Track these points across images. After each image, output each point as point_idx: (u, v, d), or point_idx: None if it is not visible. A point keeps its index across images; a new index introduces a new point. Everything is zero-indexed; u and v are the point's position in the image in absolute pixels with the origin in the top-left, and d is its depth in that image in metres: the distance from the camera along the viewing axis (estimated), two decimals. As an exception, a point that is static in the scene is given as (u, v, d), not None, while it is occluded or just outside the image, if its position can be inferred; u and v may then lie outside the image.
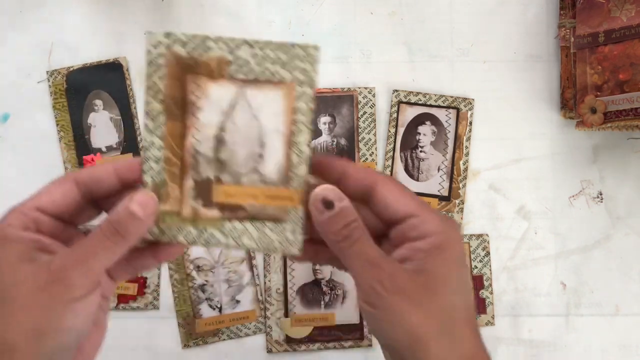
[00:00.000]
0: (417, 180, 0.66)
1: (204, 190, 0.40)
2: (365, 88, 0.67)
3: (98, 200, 0.40)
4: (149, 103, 0.40)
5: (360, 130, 0.67)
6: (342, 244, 0.38)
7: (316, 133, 0.67)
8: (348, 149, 0.66)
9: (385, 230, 0.41)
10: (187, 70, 0.41)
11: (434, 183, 0.66)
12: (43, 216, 0.39)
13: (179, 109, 0.41)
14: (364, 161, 0.66)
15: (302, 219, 0.40)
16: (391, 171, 0.66)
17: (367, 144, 0.66)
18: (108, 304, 0.42)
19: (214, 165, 0.41)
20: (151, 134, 0.41)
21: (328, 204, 0.38)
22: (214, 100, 0.41)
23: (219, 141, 0.41)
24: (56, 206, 0.39)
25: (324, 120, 0.67)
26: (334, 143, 0.66)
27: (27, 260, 0.36)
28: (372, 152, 0.66)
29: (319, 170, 0.41)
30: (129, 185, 0.40)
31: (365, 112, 0.67)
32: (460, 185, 0.66)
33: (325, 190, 0.38)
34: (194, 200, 0.40)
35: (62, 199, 0.39)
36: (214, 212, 0.40)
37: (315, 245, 0.42)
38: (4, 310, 0.36)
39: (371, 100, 0.67)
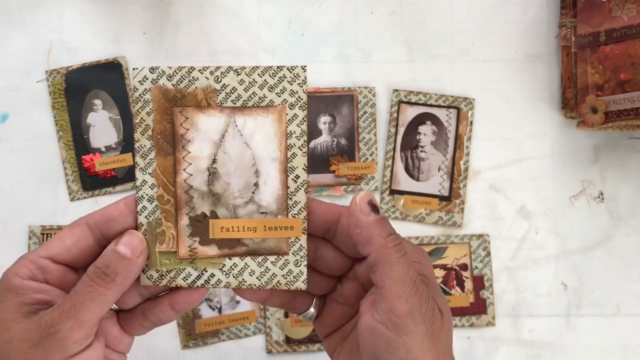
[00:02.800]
0: (418, 180, 0.66)
1: (200, 227, 0.39)
2: (366, 88, 0.67)
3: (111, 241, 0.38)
4: (138, 140, 0.39)
5: (360, 130, 0.66)
6: (390, 250, 0.36)
7: (316, 133, 0.66)
8: (348, 149, 0.66)
9: (347, 267, 0.40)
10: (174, 103, 0.40)
11: (435, 183, 0.66)
12: (53, 265, 0.37)
13: (169, 143, 0.40)
14: (364, 161, 0.66)
15: (305, 248, 0.39)
16: (391, 171, 0.66)
17: (367, 143, 0.66)
18: None
19: (209, 199, 0.40)
20: (142, 172, 0.40)
21: (374, 207, 0.37)
22: (203, 131, 0.40)
23: (212, 174, 0.40)
24: (68, 253, 0.37)
25: (324, 120, 0.66)
26: (334, 143, 0.66)
27: (23, 314, 0.35)
28: (372, 152, 0.66)
29: (321, 217, 0.39)
30: None
31: (365, 112, 0.66)
32: (461, 185, 0.66)
33: (369, 194, 0.37)
34: (191, 239, 0.39)
35: (75, 245, 0.37)
36: (212, 250, 0.39)
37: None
38: None
39: (371, 100, 0.66)
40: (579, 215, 0.66)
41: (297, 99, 0.40)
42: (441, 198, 0.66)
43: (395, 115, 0.66)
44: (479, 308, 0.65)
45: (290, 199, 0.39)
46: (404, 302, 0.35)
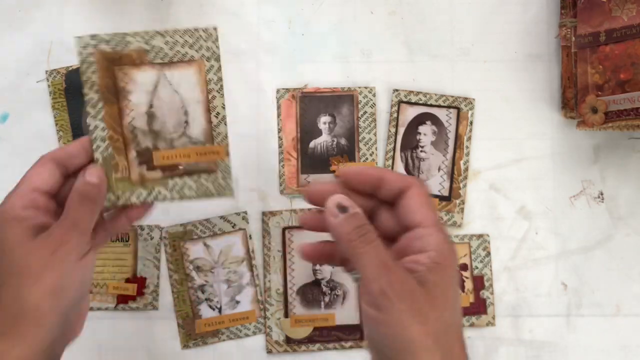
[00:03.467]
0: (418, 180, 0.66)
1: (145, 158, 0.48)
2: (366, 88, 0.66)
3: (71, 175, 0.47)
4: (87, 94, 0.49)
5: (360, 130, 0.66)
6: (355, 243, 0.40)
7: (316, 133, 0.66)
8: (348, 149, 0.66)
9: (395, 237, 0.43)
10: (114, 63, 0.50)
11: (435, 183, 0.66)
12: (39, 195, 0.45)
13: (113, 95, 0.50)
14: (364, 161, 0.66)
15: (229, 167, 0.50)
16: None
17: (368, 143, 0.66)
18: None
19: (150, 135, 0.50)
20: (94, 118, 0.50)
21: (342, 209, 0.42)
22: (139, 83, 0.50)
23: (150, 116, 0.50)
24: (47, 184, 0.45)
25: (324, 120, 0.66)
26: (334, 143, 0.66)
27: (31, 236, 0.43)
28: (372, 152, 0.66)
29: (355, 181, 0.44)
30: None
31: (365, 112, 0.66)
32: (461, 185, 0.66)
33: (340, 197, 0.42)
34: (140, 167, 0.49)
35: (50, 178, 0.45)
36: (157, 174, 0.49)
37: (331, 245, 0.46)
38: (22, 280, 0.42)
39: (372, 100, 0.66)
40: (579, 215, 0.66)
41: (212, 53, 0.50)
42: (441, 198, 0.66)
43: (395, 115, 0.66)
44: (479, 308, 0.65)
45: (214, 130, 0.50)
46: (375, 283, 0.39)
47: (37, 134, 0.66)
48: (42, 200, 0.45)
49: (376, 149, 0.66)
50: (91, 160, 0.48)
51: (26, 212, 0.44)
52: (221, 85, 0.51)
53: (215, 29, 0.50)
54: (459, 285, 0.43)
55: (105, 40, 0.49)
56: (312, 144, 0.66)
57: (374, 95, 0.67)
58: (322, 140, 0.67)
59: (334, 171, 0.66)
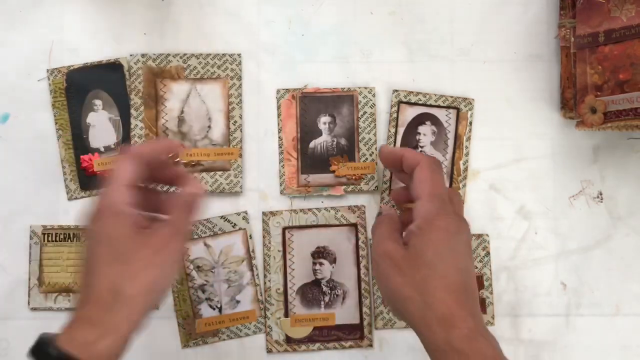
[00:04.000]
0: (418, 179, 0.66)
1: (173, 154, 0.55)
2: (366, 88, 0.67)
3: (154, 171, 0.51)
4: (132, 99, 0.65)
5: (360, 130, 0.66)
6: (433, 166, 0.53)
7: (316, 133, 0.67)
8: (348, 149, 0.66)
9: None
10: (156, 76, 0.65)
11: (436, 182, 0.66)
12: (132, 191, 0.47)
13: (153, 101, 0.65)
14: (363, 161, 0.66)
15: (240, 167, 0.64)
16: (391, 171, 0.66)
17: (367, 143, 0.66)
18: None
19: (179, 136, 0.65)
20: (135, 119, 0.65)
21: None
22: (175, 93, 0.65)
23: (180, 120, 0.65)
24: (137, 179, 0.48)
25: (324, 120, 0.66)
26: (334, 143, 0.66)
27: (137, 231, 0.46)
28: (372, 152, 0.66)
29: (389, 157, 0.56)
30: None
31: (365, 112, 0.66)
32: (461, 185, 0.66)
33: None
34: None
35: (138, 174, 0.48)
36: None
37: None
38: (124, 272, 0.45)
39: (371, 100, 0.66)
40: (578, 215, 0.66)
41: (235, 73, 0.66)
42: (442, 197, 0.66)
43: (395, 115, 0.67)
44: (478, 308, 0.65)
45: (231, 135, 0.64)
46: (375, 249, 0.53)
47: (38, 134, 0.66)
48: (136, 196, 0.48)
49: (376, 149, 0.66)
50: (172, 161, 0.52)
51: (128, 208, 0.47)
52: (240, 99, 0.65)
53: (239, 55, 0.66)
54: (452, 247, 0.49)
55: (152, 58, 0.65)
56: (312, 144, 0.66)
57: (374, 95, 0.67)
58: (322, 140, 0.67)
59: (333, 171, 0.66)
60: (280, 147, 0.66)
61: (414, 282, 0.48)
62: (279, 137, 0.66)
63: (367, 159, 0.66)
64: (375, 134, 0.66)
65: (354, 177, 0.66)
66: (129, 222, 0.46)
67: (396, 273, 0.49)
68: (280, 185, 0.66)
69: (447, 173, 0.66)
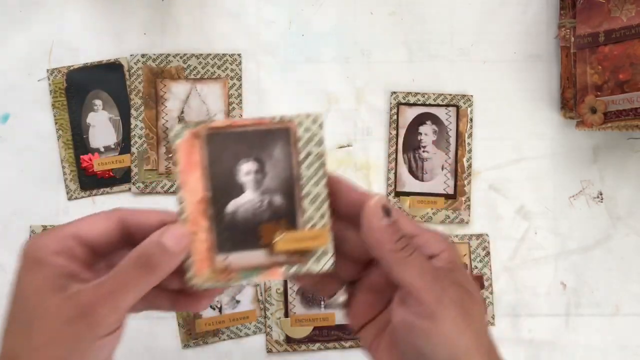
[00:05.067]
0: (422, 180, 0.66)
1: (172, 155, 0.52)
2: (308, 117, 0.41)
3: (135, 242, 0.37)
4: (132, 99, 0.66)
5: (303, 180, 0.41)
6: (401, 254, 0.37)
7: (236, 189, 0.41)
8: (286, 210, 0.41)
9: (369, 257, 0.40)
10: (156, 76, 0.66)
11: (439, 182, 0.66)
12: (79, 245, 0.37)
13: (153, 101, 0.65)
14: (310, 227, 0.41)
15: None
16: (395, 173, 0.66)
17: (316, 201, 0.41)
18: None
19: None
20: (135, 119, 0.66)
21: (387, 211, 0.37)
22: (175, 93, 0.66)
23: (180, 120, 0.65)
24: (95, 239, 0.38)
25: (246, 169, 0.41)
26: (265, 203, 0.41)
27: (57, 288, 0.35)
28: (324, 214, 0.40)
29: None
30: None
31: (309, 153, 0.41)
32: (465, 182, 0.66)
33: (384, 198, 0.38)
34: (167, 161, 0.65)
35: (103, 234, 0.38)
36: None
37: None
38: (30, 340, 0.35)
39: (317, 134, 0.41)
40: (578, 215, 0.67)
41: (235, 73, 0.66)
42: (447, 197, 0.66)
43: (394, 117, 0.67)
44: (478, 308, 0.65)
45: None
46: (429, 292, 0.36)
47: (38, 134, 0.66)
48: (82, 253, 0.37)
49: (328, 208, 0.40)
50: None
51: (57, 259, 0.36)
52: (240, 100, 0.65)
53: (239, 55, 0.66)
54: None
55: (153, 59, 0.65)
56: (231, 207, 0.41)
57: (320, 126, 0.41)
58: (246, 200, 0.42)
59: (267, 245, 0.41)
60: (182, 214, 0.39)
61: (478, 330, 0.38)
62: (178, 199, 0.40)
63: (315, 224, 0.41)
64: (326, 186, 0.41)
65: (297, 254, 0.41)
66: (47, 274, 0.35)
67: (467, 323, 0.37)
68: (188, 270, 0.39)
69: (451, 171, 0.66)
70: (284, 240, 0.42)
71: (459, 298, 0.36)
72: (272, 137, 0.42)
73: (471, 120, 0.66)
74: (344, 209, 0.39)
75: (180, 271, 0.38)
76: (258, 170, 0.42)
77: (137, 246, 0.36)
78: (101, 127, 0.66)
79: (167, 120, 0.65)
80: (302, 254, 0.41)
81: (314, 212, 0.41)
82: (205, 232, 0.40)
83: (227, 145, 0.42)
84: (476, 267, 0.66)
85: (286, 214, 0.42)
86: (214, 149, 0.41)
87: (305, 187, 0.41)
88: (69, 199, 0.66)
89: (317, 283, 0.42)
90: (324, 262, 0.41)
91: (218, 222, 0.40)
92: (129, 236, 0.39)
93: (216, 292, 0.41)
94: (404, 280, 0.36)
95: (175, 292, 0.40)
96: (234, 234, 0.41)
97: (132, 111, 0.65)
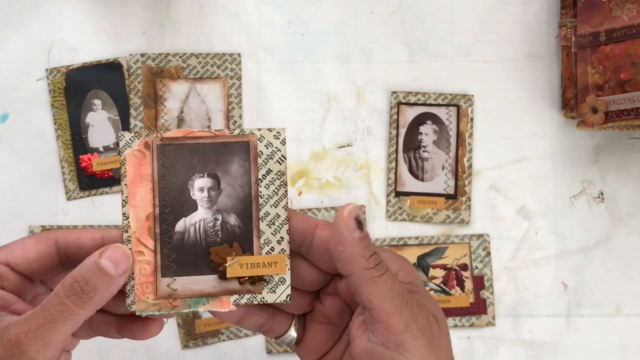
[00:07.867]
0: (422, 180, 0.66)
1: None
2: (270, 130, 0.39)
3: (75, 264, 0.34)
4: (131, 99, 0.65)
5: (262, 199, 0.39)
6: (372, 272, 0.34)
7: (188, 206, 0.39)
8: (241, 233, 0.39)
9: (324, 283, 0.38)
10: (156, 76, 0.65)
11: (440, 182, 0.66)
12: (10, 272, 0.34)
13: (152, 101, 0.65)
14: (267, 253, 0.38)
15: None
16: (395, 173, 0.66)
17: (275, 223, 0.38)
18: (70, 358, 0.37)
19: None
20: (134, 119, 0.65)
21: (360, 224, 0.34)
22: (174, 93, 0.65)
23: (180, 120, 0.65)
24: (28, 266, 0.35)
25: (199, 185, 0.39)
26: (218, 223, 0.39)
27: None
28: (282, 238, 0.38)
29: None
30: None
31: (269, 171, 0.39)
32: (466, 182, 0.66)
33: (356, 208, 0.35)
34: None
35: (37, 260, 0.35)
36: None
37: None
38: None
39: (278, 150, 0.39)
40: (579, 215, 0.66)
41: (235, 73, 0.66)
42: (447, 197, 0.66)
43: (395, 117, 0.66)
44: (479, 308, 0.65)
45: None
46: (398, 318, 0.33)
47: (37, 134, 0.66)
48: (13, 280, 0.34)
49: (288, 233, 0.38)
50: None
51: None
52: (240, 99, 0.64)
53: (239, 54, 0.66)
54: None
55: (152, 58, 0.65)
56: (180, 226, 0.39)
57: (283, 142, 0.39)
58: (198, 219, 0.39)
59: (218, 270, 0.38)
60: (127, 231, 0.37)
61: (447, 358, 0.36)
62: (123, 215, 0.38)
63: (272, 249, 0.38)
64: (286, 207, 0.39)
65: (251, 281, 0.39)
66: None
67: (435, 352, 0.34)
68: (128, 295, 0.37)
69: (451, 171, 0.66)
70: (237, 265, 0.38)
71: (427, 326, 0.34)
72: (230, 151, 0.39)
73: (472, 120, 0.66)
74: (293, 236, 0.37)
75: (124, 294, 0.35)
76: (213, 186, 0.39)
77: (72, 270, 0.32)
78: (100, 126, 0.66)
79: (166, 120, 0.65)
80: (257, 282, 0.38)
81: (272, 236, 0.38)
82: (151, 253, 0.37)
83: (181, 157, 0.39)
84: (477, 268, 0.65)
85: (241, 237, 0.38)
86: (166, 162, 0.38)
87: (263, 207, 0.38)
88: (68, 199, 0.65)
89: (266, 322, 0.38)
90: (279, 292, 0.38)
91: (165, 242, 0.37)
92: (67, 258, 0.36)
93: (167, 317, 0.37)
94: (372, 303, 0.34)
95: (121, 317, 0.37)
96: (182, 256, 0.38)
97: (132, 111, 0.64)
